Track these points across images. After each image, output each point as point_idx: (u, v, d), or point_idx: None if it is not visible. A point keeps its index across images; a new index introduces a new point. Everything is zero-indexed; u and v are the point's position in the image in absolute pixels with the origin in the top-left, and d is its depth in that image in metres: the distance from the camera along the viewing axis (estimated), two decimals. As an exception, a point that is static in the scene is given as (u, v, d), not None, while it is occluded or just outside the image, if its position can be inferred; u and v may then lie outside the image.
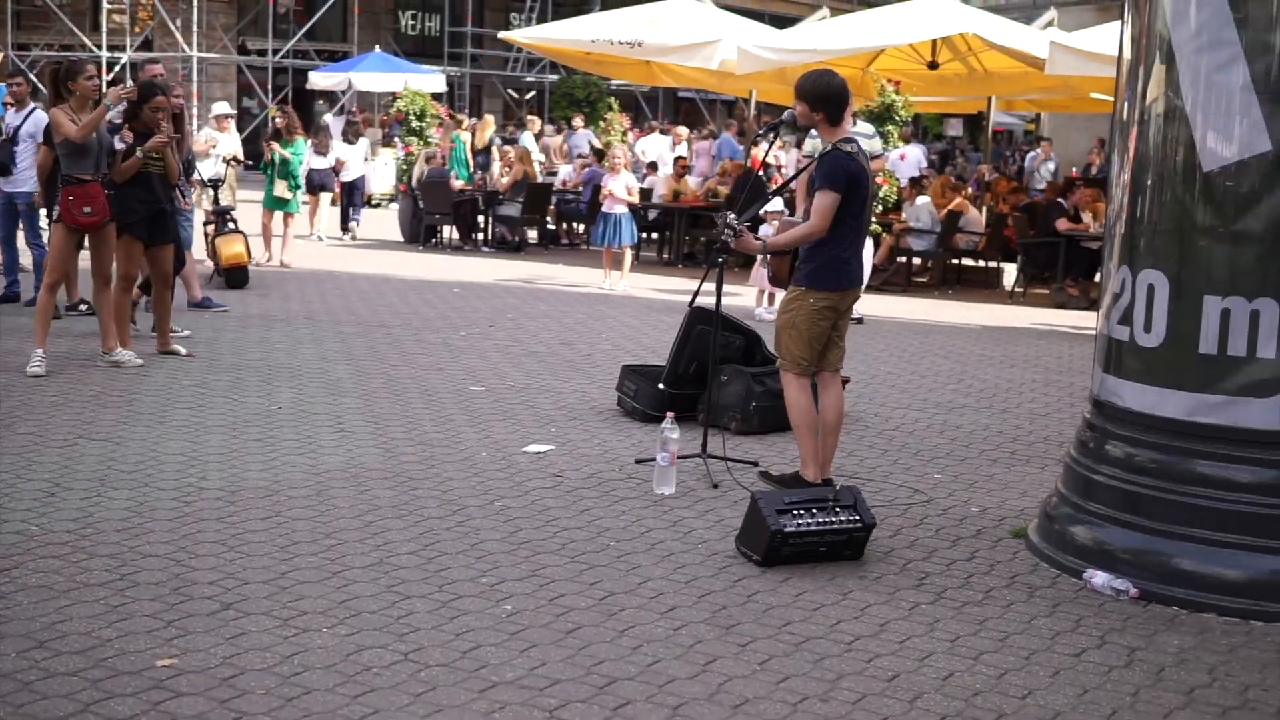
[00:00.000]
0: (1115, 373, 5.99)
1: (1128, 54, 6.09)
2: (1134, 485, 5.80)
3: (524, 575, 5.48)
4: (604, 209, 15.47)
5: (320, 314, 12.44)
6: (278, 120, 17.03)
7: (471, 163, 21.82)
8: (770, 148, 8.12)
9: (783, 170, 21.64)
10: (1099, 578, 5.63)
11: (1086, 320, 13.55)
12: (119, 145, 9.52)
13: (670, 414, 6.87)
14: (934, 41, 17.66)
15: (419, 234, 19.71)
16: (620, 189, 15.31)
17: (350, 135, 21.27)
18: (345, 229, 20.45)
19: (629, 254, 15.53)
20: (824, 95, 6.60)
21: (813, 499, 5.84)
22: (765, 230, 12.35)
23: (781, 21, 28.10)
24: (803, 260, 6.68)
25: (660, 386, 8.33)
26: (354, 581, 5.31)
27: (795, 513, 5.73)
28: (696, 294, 7.51)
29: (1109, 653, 4.94)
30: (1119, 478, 5.87)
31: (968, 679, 4.64)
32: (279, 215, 16.42)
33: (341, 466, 7.04)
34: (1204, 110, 5.63)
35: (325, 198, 19.78)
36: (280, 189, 16.28)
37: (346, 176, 20.50)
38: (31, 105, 12.39)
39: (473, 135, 23.70)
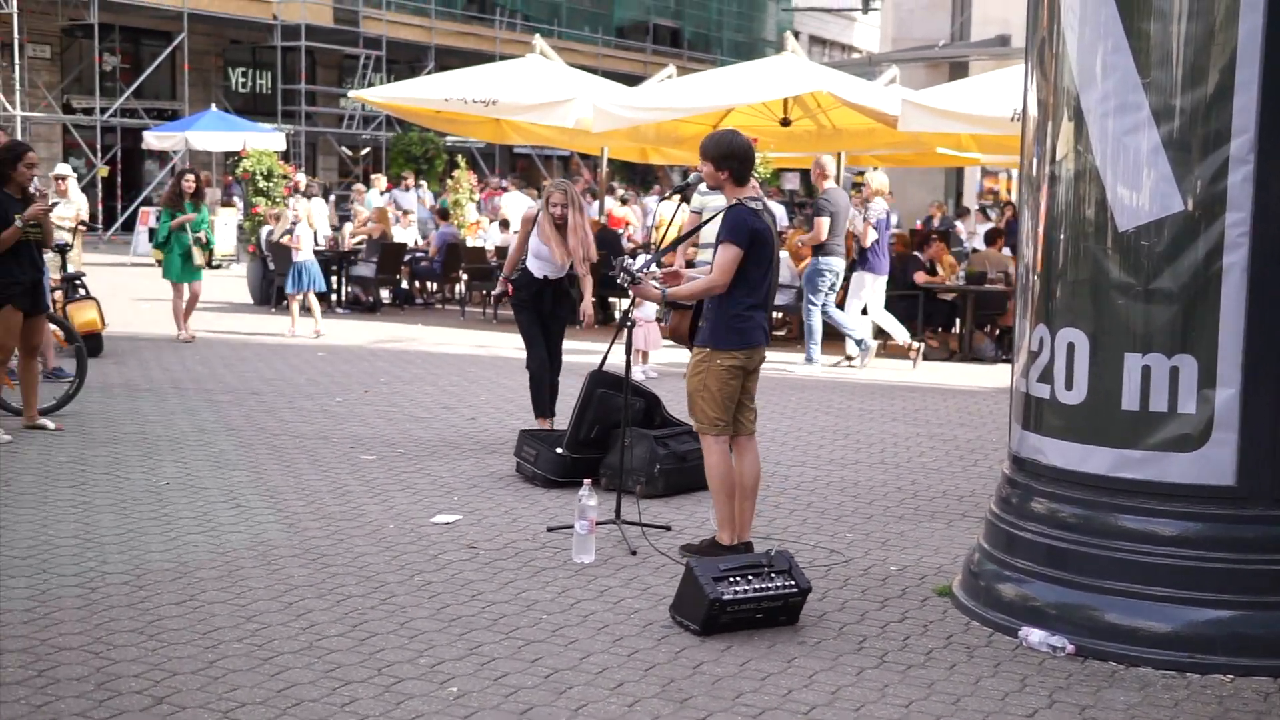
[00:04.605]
0: (1036, 430, 6.05)
1: (1034, 113, 6.20)
2: (1060, 540, 5.85)
3: (462, 654, 5.32)
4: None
5: (185, 381, 12.01)
6: (186, 184, 15.03)
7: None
8: (677, 210, 8.04)
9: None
10: (1035, 635, 5.66)
11: (947, 372, 13.80)
12: None
13: (588, 481, 6.76)
14: (785, 99, 17.92)
15: (269, 296, 19.27)
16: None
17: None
18: None
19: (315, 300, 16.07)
20: (728, 153, 6.60)
21: (748, 565, 5.78)
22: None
23: (627, 80, 28.29)
24: (704, 320, 6.66)
25: (560, 451, 8.23)
26: (288, 668, 5.09)
27: (732, 580, 5.66)
28: (606, 356, 7.41)
29: (1061, 713, 4.95)
30: (1044, 533, 5.92)
31: (932, 745, 4.61)
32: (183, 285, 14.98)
33: (247, 544, 6.77)
34: (1116, 170, 5.74)
35: None
36: (197, 257, 14.76)
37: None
38: None
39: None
